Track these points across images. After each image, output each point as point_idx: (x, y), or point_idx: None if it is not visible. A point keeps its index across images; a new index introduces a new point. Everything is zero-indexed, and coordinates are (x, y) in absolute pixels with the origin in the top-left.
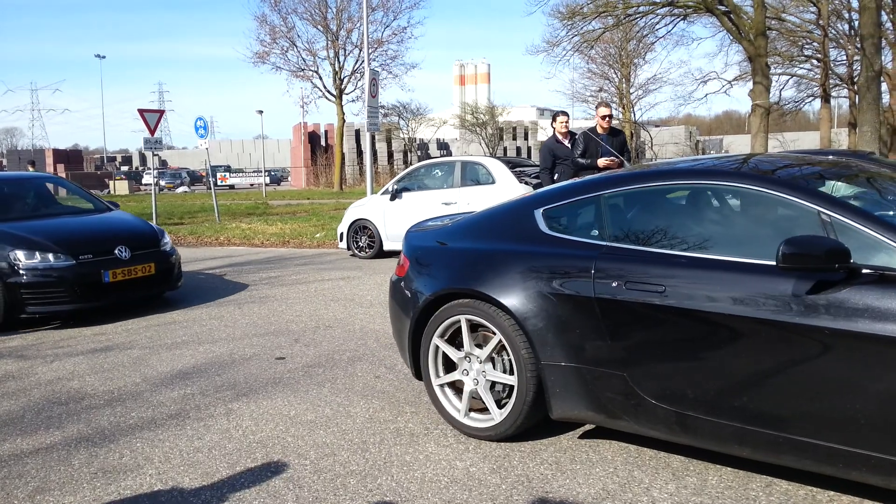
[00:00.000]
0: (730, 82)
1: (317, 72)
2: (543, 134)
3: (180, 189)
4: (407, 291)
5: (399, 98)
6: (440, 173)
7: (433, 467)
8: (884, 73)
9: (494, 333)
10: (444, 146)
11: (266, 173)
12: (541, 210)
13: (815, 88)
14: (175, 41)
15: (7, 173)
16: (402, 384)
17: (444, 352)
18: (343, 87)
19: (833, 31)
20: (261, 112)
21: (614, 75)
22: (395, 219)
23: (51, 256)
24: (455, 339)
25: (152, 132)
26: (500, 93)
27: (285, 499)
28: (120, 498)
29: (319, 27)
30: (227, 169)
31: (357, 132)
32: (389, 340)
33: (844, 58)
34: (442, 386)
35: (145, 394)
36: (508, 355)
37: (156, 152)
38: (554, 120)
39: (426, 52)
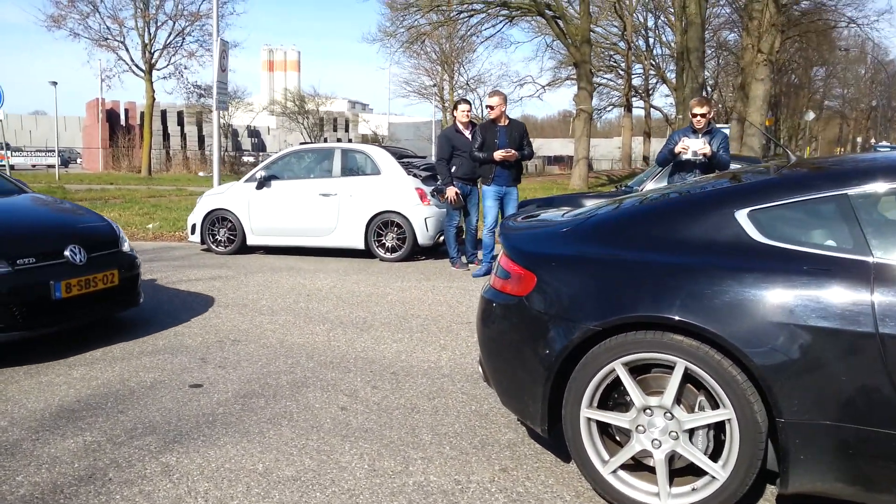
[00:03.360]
0: (543, 87)
1: (123, 43)
2: (365, 127)
3: None
4: (541, 319)
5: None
6: (316, 161)
7: None
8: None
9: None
10: (254, 133)
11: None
12: (745, 211)
13: (615, 98)
14: None
15: None
16: (383, 418)
17: (597, 420)
18: (154, 61)
19: (634, 45)
20: (55, 84)
21: (437, 73)
22: (262, 210)
23: None
24: (607, 398)
25: None
26: (312, 83)
27: None
28: None
29: None
30: (6, 147)
31: (164, 112)
32: (326, 358)
33: (641, 71)
34: (615, 472)
35: (24, 445)
36: (708, 386)
37: None
38: (455, 108)
39: (232, 33)
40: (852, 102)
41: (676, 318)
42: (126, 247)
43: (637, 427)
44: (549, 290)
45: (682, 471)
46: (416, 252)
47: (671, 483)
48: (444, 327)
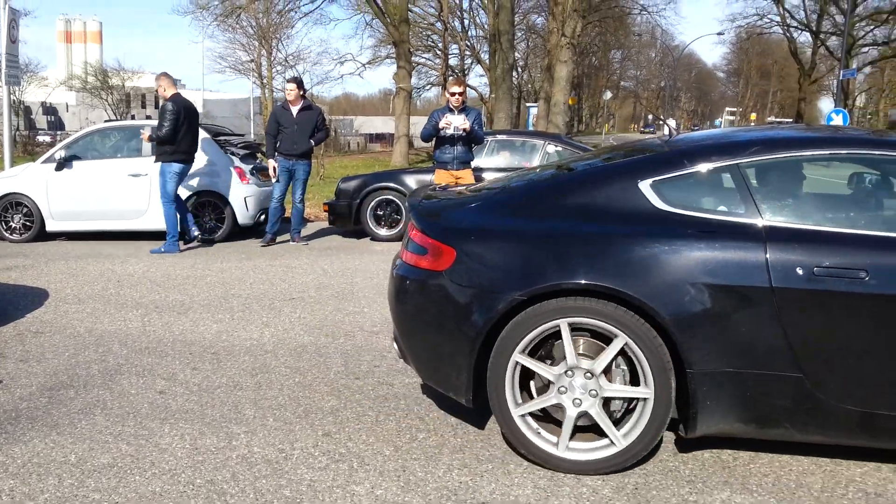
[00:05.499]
0: (364, 65)
1: None
2: None
3: None
4: (464, 292)
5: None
6: (124, 139)
7: (330, 498)
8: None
9: (612, 338)
10: (51, 111)
11: None
12: (648, 182)
13: (433, 78)
14: None
15: None
16: (204, 398)
17: (522, 370)
18: None
19: (450, 26)
20: None
21: (254, 48)
22: (63, 193)
23: None
24: (536, 354)
25: None
26: (116, 56)
27: None
28: None
29: None
30: None
31: None
32: (141, 344)
33: (457, 51)
34: (524, 416)
35: None
36: (636, 361)
37: None
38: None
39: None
40: (644, 83)
41: (589, 282)
42: None
43: (560, 388)
44: (470, 264)
45: (586, 427)
46: (236, 231)
47: (572, 437)
48: (267, 305)
